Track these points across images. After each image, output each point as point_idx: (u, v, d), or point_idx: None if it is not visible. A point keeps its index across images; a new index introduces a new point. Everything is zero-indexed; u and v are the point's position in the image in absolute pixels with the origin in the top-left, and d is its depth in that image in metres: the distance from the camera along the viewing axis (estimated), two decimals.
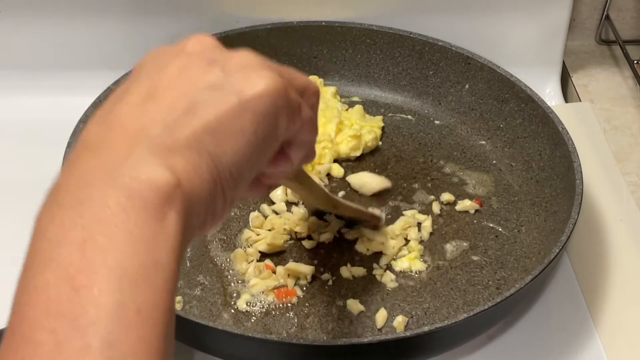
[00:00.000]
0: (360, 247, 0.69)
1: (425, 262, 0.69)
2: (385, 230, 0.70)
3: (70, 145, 0.69)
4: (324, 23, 0.83)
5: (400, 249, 0.69)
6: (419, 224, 0.72)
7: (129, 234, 0.32)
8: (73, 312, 0.30)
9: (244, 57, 0.40)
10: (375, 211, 0.72)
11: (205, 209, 0.37)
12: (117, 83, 0.72)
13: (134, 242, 0.32)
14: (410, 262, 0.68)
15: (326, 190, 0.68)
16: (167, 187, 0.34)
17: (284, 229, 0.70)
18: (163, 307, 0.32)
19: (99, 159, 0.35)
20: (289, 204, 0.73)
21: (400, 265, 0.68)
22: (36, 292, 0.31)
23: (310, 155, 0.48)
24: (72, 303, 0.30)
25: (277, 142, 0.42)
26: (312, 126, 0.45)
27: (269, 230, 0.70)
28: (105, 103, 0.38)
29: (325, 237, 0.70)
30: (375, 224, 0.71)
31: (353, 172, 0.76)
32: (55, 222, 0.33)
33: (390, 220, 0.72)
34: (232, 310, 0.65)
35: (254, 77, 0.39)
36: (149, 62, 0.40)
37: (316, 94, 0.45)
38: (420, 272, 0.68)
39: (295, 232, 0.70)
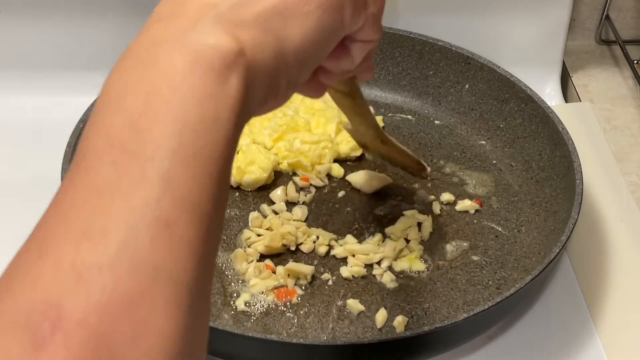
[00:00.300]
0: (344, 273, 0.67)
1: (425, 262, 0.69)
2: (372, 242, 0.70)
3: (70, 145, 0.69)
4: None
5: (401, 251, 0.69)
6: (419, 224, 0.72)
7: (192, 89, 0.34)
8: (134, 148, 0.32)
9: None
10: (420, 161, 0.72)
11: (267, 86, 0.39)
12: None
13: (196, 97, 0.34)
14: (410, 262, 0.68)
15: (377, 120, 0.66)
16: (232, 52, 0.36)
17: (282, 235, 0.69)
18: (219, 158, 0.34)
19: (168, 26, 0.37)
20: (289, 204, 0.73)
21: (400, 265, 0.68)
22: (101, 131, 0.34)
23: (370, 57, 0.50)
24: (134, 141, 0.33)
25: (342, 32, 0.43)
26: (376, 24, 0.46)
27: (267, 229, 0.70)
28: None
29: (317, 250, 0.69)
30: (419, 171, 0.72)
31: (353, 172, 0.76)
32: (123, 77, 0.35)
33: (391, 220, 0.72)
34: (232, 311, 0.65)
35: None
36: None
37: None
38: (420, 272, 0.68)
39: (283, 244, 0.69)
